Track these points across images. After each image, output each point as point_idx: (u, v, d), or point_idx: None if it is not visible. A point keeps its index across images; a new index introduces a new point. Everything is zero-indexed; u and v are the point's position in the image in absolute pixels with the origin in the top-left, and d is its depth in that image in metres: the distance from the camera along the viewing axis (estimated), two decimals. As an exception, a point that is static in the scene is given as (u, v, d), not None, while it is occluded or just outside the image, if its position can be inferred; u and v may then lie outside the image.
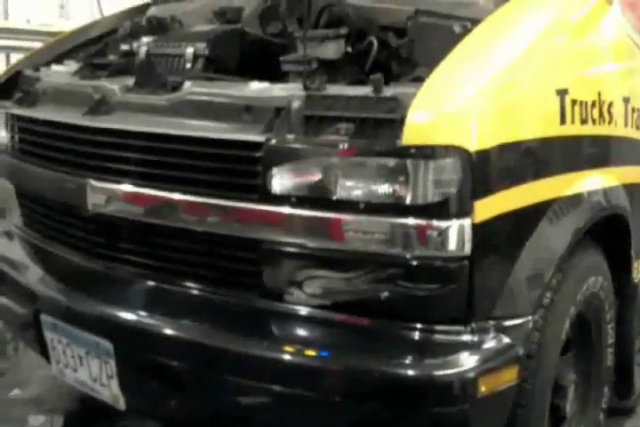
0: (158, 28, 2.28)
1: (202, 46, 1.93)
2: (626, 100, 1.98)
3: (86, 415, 2.47)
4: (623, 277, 2.05)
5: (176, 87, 1.79)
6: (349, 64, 1.82)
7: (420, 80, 1.68)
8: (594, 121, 1.78)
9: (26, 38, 3.79)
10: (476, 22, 1.70)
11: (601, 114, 1.81)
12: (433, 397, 1.43)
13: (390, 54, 1.86)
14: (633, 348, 2.17)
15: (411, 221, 1.42)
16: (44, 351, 1.93)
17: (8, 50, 3.90)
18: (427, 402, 1.44)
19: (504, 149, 1.49)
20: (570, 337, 1.77)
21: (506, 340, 1.50)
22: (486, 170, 1.45)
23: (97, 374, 1.76)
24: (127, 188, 1.75)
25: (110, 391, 1.75)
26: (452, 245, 1.42)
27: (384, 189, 1.43)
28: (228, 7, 2.24)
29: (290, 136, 1.54)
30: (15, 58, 4.05)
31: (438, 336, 1.47)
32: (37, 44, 3.68)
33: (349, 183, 1.46)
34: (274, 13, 2.12)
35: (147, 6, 2.62)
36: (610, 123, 1.87)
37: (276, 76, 1.86)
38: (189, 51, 1.94)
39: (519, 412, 1.57)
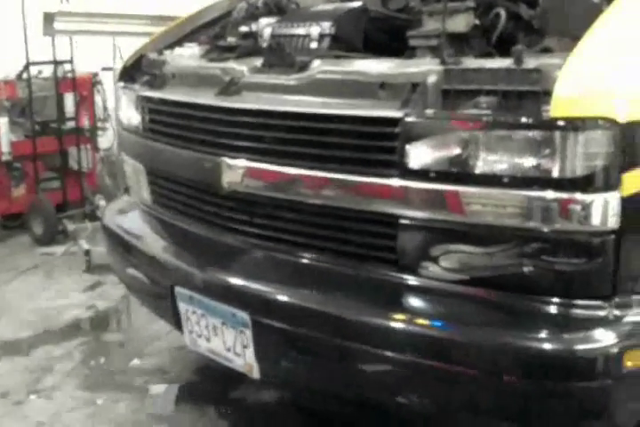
0: (275, 9, 2.32)
1: (327, 25, 1.95)
2: None
3: (205, 386, 2.57)
4: None
5: (304, 66, 1.82)
6: (476, 37, 1.81)
7: (548, 51, 1.66)
8: None
9: (131, 23, 3.94)
10: None
11: None
12: (574, 371, 1.43)
13: (517, 25, 1.84)
14: None
15: (556, 194, 1.41)
16: (176, 322, 2.01)
17: (115, 34, 4.05)
18: (567, 377, 1.43)
19: None
20: None
21: None
22: (636, 142, 1.42)
23: (231, 344, 1.83)
24: (262, 166, 1.80)
25: (244, 360, 1.81)
26: (597, 219, 1.41)
27: (529, 162, 1.43)
28: None
29: (429, 111, 1.54)
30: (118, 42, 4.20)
31: (578, 311, 1.46)
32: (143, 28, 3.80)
33: (492, 157, 1.46)
34: (395, -11, 2.12)
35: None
36: None
37: (401, 51, 1.86)
38: (315, 30, 1.96)
39: None
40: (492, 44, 1.80)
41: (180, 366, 2.72)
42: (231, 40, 2.28)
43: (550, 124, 1.40)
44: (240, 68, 1.98)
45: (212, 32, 2.45)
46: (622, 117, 1.40)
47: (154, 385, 2.61)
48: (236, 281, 1.81)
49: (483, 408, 1.53)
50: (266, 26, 2.13)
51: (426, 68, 1.61)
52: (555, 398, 1.45)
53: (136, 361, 2.80)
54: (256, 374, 1.82)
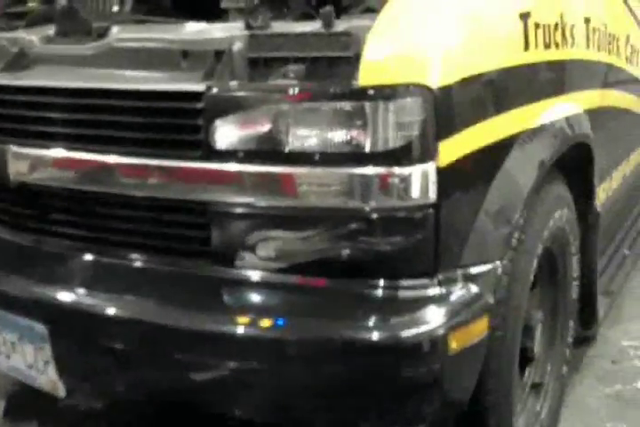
0: None
1: None
2: (587, 21, 1.90)
3: (27, 398, 2.26)
4: (586, 206, 1.98)
5: (102, 34, 1.60)
6: None
7: (372, 11, 1.53)
8: (557, 45, 1.69)
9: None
10: None
11: (564, 37, 1.73)
12: (401, 359, 1.32)
13: None
14: (596, 276, 2.12)
15: (372, 169, 1.29)
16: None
17: None
18: (395, 366, 1.32)
19: (468, 82, 1.37)
20: (536, 275, 1.68)
21: (474, 289, 1.41)
22: (451, 107, 1.33)
23: (32, 361, 1.59)
24: (54, 152, 1.55)
25: (47, 378, 1.59)
26: (416, 192, 1.31)
27: (340, 136, 1.29)
28: None
29: (233, 83, 1.37)
30: None
31: (403, 292, 1.36)
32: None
33: (302, 132, 1.31)
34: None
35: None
36: (572, 46, 1.79)
37: (216, 14, 1.66)
38: None
39: (491, 360, 1.48)
40: (312, 5, 1.63)
41: (5, 380, 2.41)
42: (31, 5, 1.99)
43: (360, 94, 1.27)
44: (30, 37, 1.70)
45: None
46: (435, 82, 1.29)
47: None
48: (30, 289, 1.55)
49: (322, 407, 1.40)
50: (65, -13, 1.87)
51: (230, 33, 1.42)
52: (386, 388, 1.34)
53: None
54: (62, 391, 1.59)
